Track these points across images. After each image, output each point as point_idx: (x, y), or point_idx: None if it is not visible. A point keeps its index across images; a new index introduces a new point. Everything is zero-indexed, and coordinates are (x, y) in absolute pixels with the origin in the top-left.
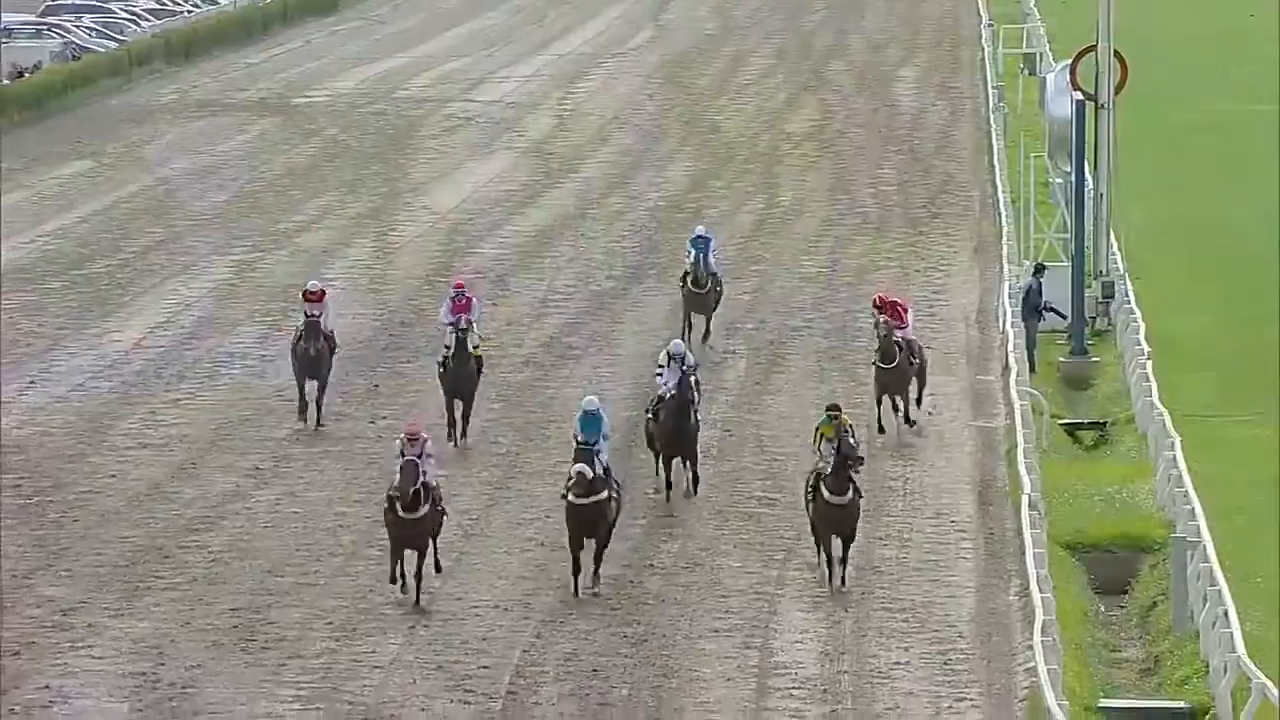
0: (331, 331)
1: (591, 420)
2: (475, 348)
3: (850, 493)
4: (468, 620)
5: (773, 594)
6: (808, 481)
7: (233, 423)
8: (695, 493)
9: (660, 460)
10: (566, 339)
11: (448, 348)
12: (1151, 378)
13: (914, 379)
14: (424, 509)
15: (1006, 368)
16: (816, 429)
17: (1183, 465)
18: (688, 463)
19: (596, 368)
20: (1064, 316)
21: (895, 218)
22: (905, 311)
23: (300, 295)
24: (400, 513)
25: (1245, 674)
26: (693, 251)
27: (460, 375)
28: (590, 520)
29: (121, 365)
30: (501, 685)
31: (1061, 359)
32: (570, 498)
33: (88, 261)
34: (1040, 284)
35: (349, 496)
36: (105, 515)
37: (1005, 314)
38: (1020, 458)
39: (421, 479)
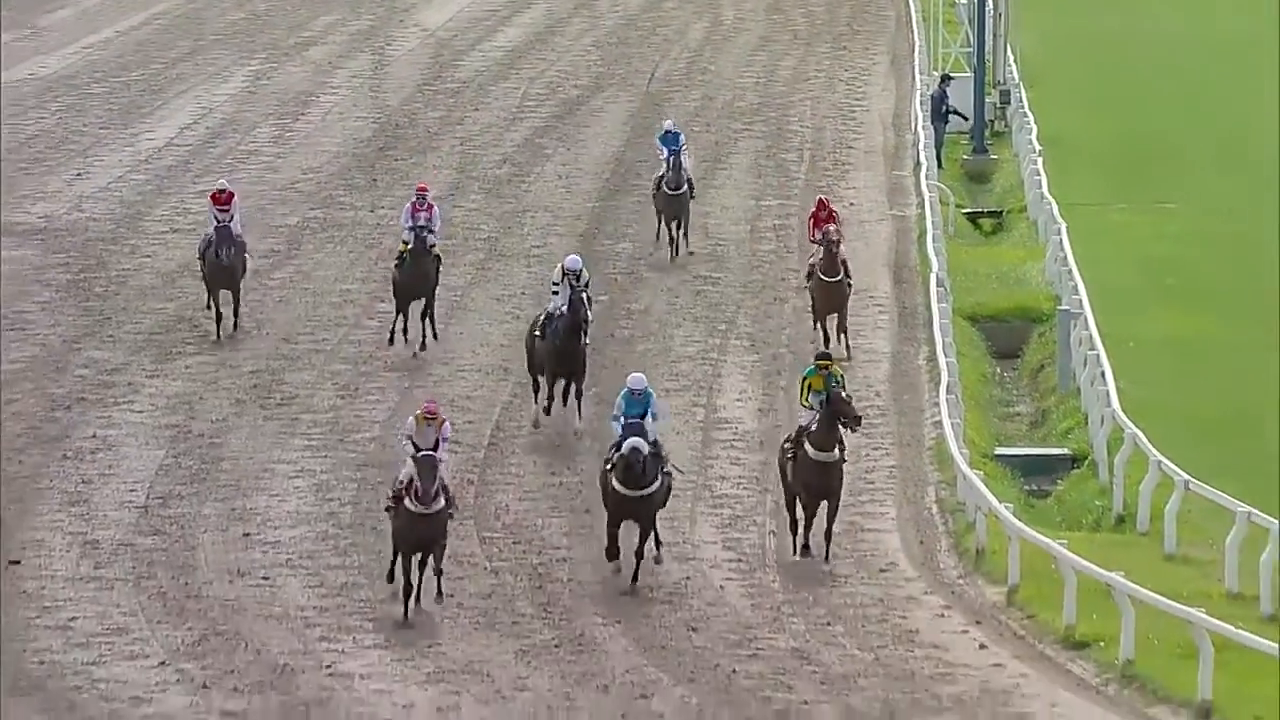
0: (242, 238)
1: (638, 400)
2: (433, 246)
3: (837, 451)
4: (455, 381)
5: (716, 360)
6: (787, 439)
7: (250, 210)
8: (581, 416)
9: (546, 379)
10: (539, 140)
11: (406, 244)
12: (1042, 172)
13: (845, 301)
14: (439, 504)
15: (918, 164)
16: (803, 380)
17: (1068, 248)
18: (573, 383)
19: (565, 164)
20: (966, 119)
21: (823, 34)
22: (837, 217)
23: (209, 198)
24: (413, 508)
25: (1119, 425)
26: (664, 150)
27: (420, 273)
28: (636, 512)
29: (155, 160)
30: (484, 437)
31: (965, 157)
32: (617, 485)
33: (124, 70)
34: (946, 91)
35: (352, 274)
36: (142, 290)
37: (917, 118)
38: (929, 242)
39: (440, 478)
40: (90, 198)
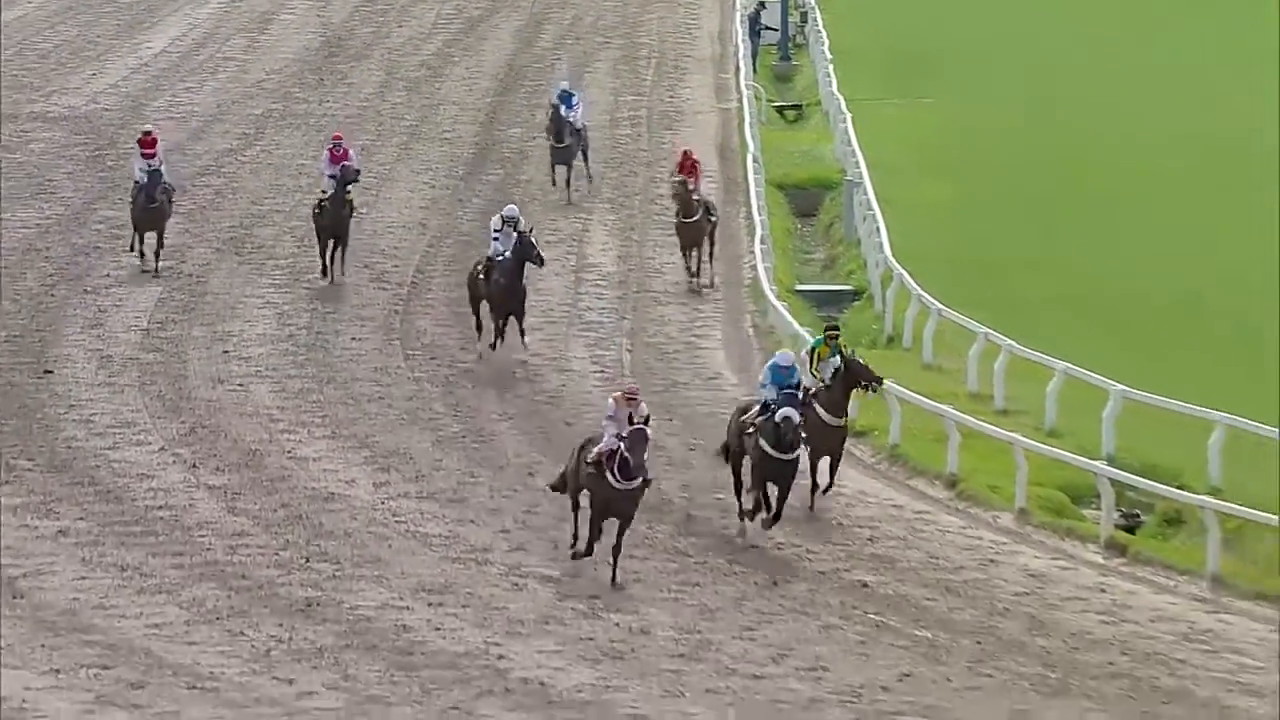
0: (168, 182)
1: (786, 373)
2: (349, 196)
3: (844, 417)
4: (384, 235)
5: (585, 219)
6: (743, 414)
7: (226, 103)
8: (526, 345)
9: (492, 317)
10: (448, 49)
11: (324, 192)
12: (832, 75)
13: (708, 236)
14: (639, 479)
15: (738, 69)
16: (812, 350)
17: (852, 133)
18: (518, 319)
19: (469, 68)
20: (776, 30)
21: None
22: (699, 171)
23: (137, 143)
24: (615, 483)
25: (889, 267)
26: (558, 106)
27: (337, 217)
28: (780, 473)
29: (153, 64)
30: (407, 277)
31: (773, 63)
32: (766, 447)
33: None
34: (759, 12)
35: (305, 154)
36: None
37: (737, 33)
38: (746, 128)
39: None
40: (103, 92)
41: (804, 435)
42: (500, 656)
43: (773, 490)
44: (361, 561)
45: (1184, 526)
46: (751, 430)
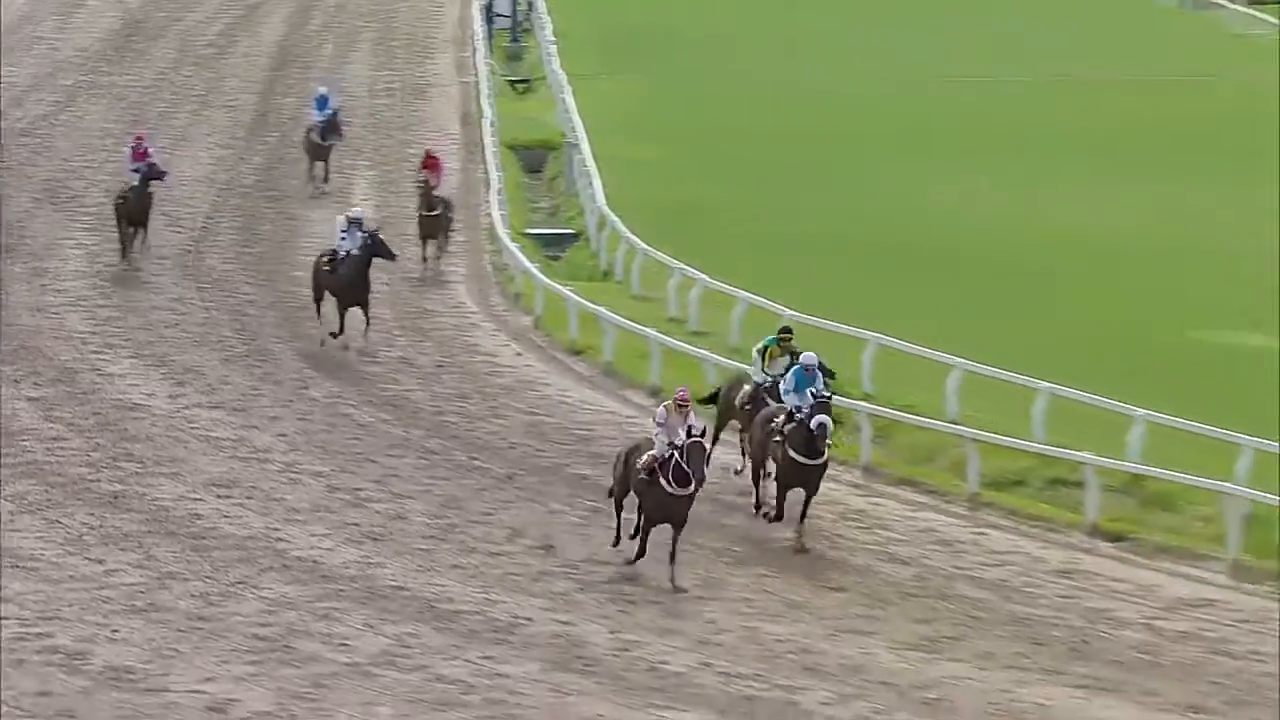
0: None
1: (809, 376)
2: (150, 190)
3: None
4: (176, 188)
5: (349, 172)
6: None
7: (41, 76)
8: (366, 337)
9: (339, 308)
10: (232, 31)
11: (128, 184)
12: (554, 54)
13: (444, 230)
14: (694, 486)
15: (475, 49)
16: (764, 349)
17: (571, 103)
18: (363, 311)
19: (249, 45)
20: (507, 17)
21: None
22: (441, 169)
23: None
24: (670, 489)
25: (603, 214)
26: (315, 111)
27: (140, 208)
28: (811, 480)
29: None
30: (198, 223)
31: (505, 44)
32: (795, 454)
33: None
34: (493, 1)
35: (110, 118)
36: None
37: (475, 19)
38: (483, 99)
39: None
40: None
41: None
42: (280, 539)
43: (798, 494)
44: (161, 461)
45: (842, 426)
46: (780, 439)
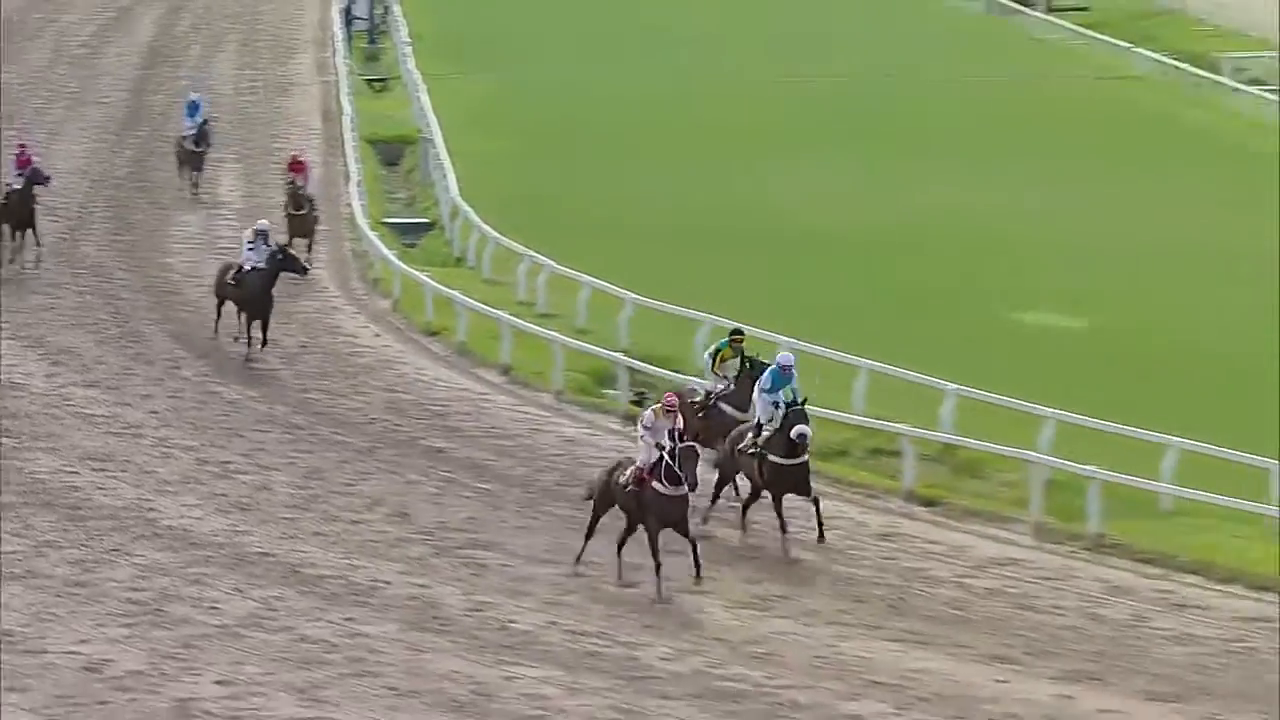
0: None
1: (785, 376)
2: (34, 195)
3: (748, 412)
4: (53, 179)
5: (218, 165)
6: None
7: None
8: (264, 346)
9: (243, 321)
10: (105, 31)
11: (10, 184)
12: (411, 55)
13: (311, 228)
14: (685, 486)
15: (335, 50)
16: (716, 352)
17: (426, 100)
18: (263, 323)
19: (122, 47)
20: (366, 20)
21: None
22: (308, 171)
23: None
24: (664, 490)
25: (456, 204)
26: (187, 117)
27: (25, 210)
28: (801, 480)
29: None
30: (73, 212)
31: (364, 45)
32: (773, 458)
33: None
34: (351, 4)
35: None
36: None
37: (335, 21)
38: (343, 97)
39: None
40: None
41: (711, 420)
42: (152, 509)
43: (787, 500)
44: (38, 436)
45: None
46: (754, 450)
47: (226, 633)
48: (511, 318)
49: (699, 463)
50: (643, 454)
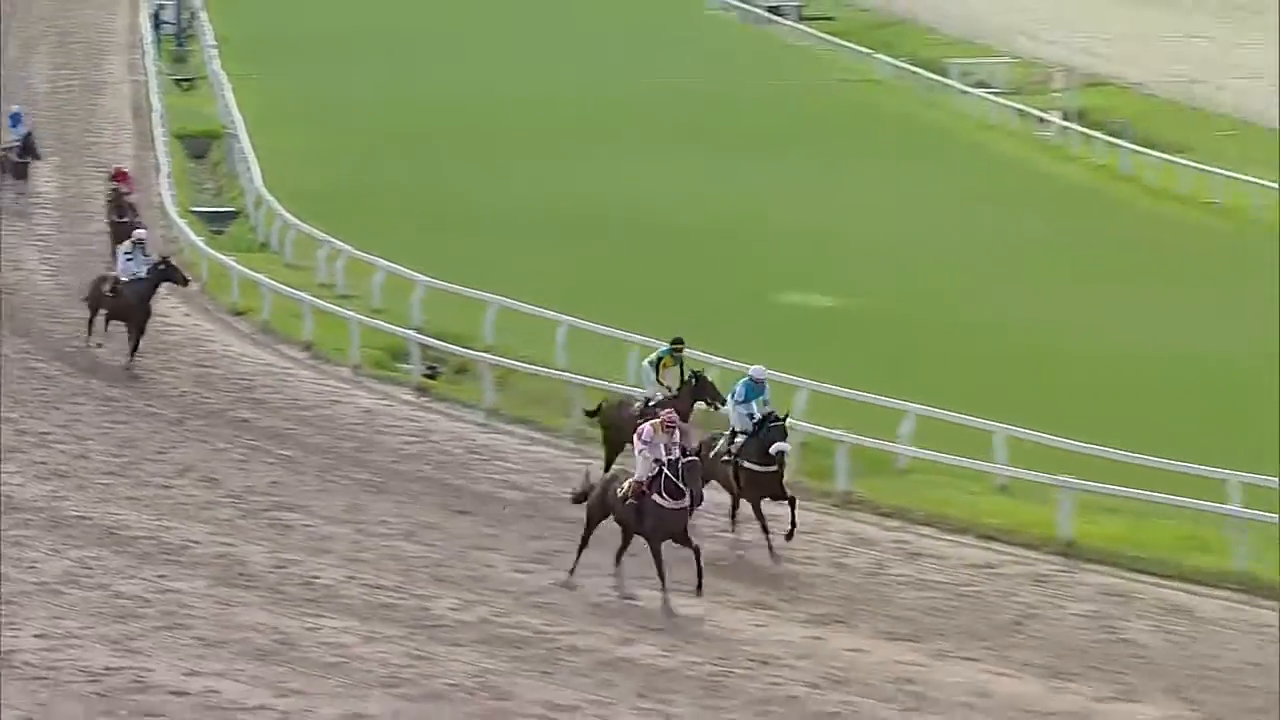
0: None
1: (758, 387)
2: None
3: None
4: None
5: (34, 161)
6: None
7: None
8: (134, 354)
9: (107, 321)
10: None
11: None
12: (216, 57)
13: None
14: (688, 500)
15: (145, 52)
16: (657, 360)
17: (231, 98)
18: (139, 332)
19: None
20: (174, 24)
21: None
22: (131, 181)
23: None
24: (665, 503)
25: (260, 194)
26: (12, 130)
27: None
28: (775, 485)
29: None
30: None
31: (172, 48)
32: (750, 465)
33: None
34: (160, 9)
35: None
36: None
37: (144, 25)
38: (153, 95)
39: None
40: None
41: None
42: None
43: (765, 505)
44: None
45: (469, 374)
46: (729, 458)
47: (45, 590)
48: (312, 298)
49: (699, 478)
50: (640, 468)
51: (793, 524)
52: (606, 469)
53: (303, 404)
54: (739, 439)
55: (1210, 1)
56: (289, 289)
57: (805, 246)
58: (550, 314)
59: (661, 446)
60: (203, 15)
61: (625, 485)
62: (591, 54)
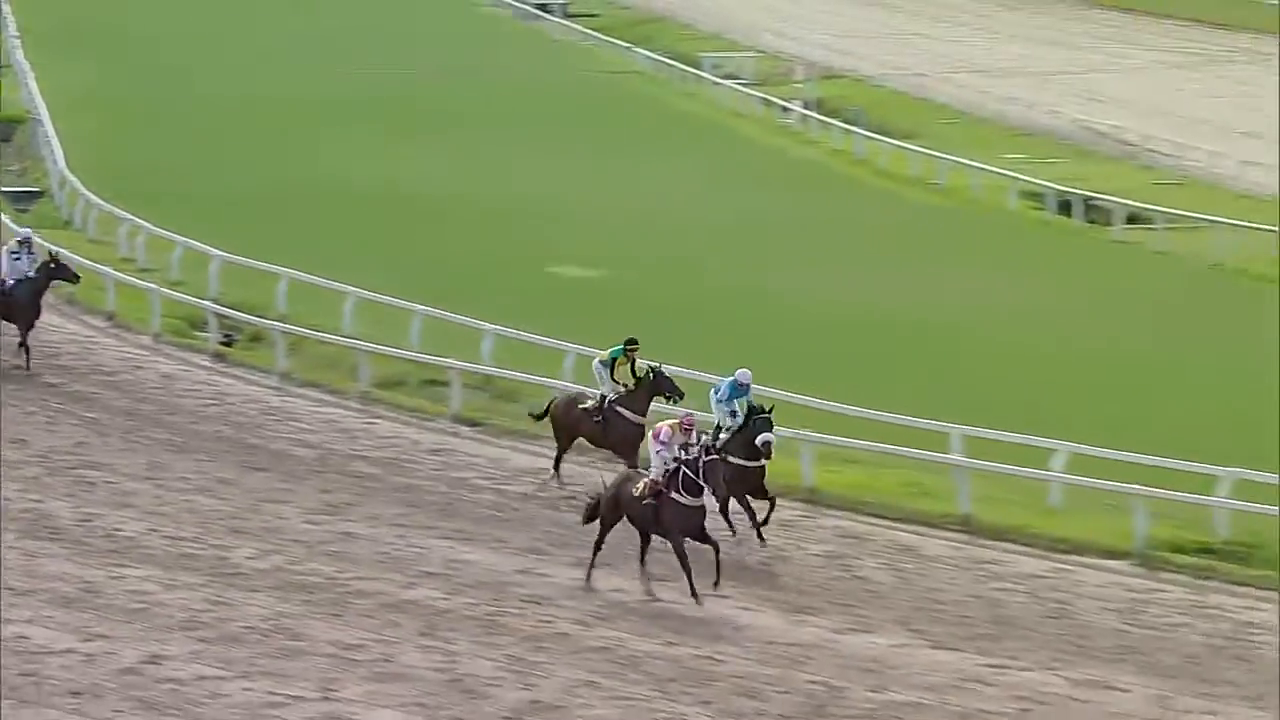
0: None
1: (741, 390)
2: None
3: (644, 416)
4: None
5: None
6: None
7: None
8: (28, 361)
9: (20, 328)
10: None
11: None
12: (20, 47)
13: None
14: (704, 496)
15: None
16: (611, 360)
17: (34, 86)
18: (27, 331)
19: None
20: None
21: None
22: None
23: None
24: (684, 500)
25: (63, 175)
26: None
27: None
28: (755, 481)
29: None
30: None
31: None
32: (734, 460)
33: None
34: None
35: None
36: None
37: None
38: None
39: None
40: None
41: (610, 425)
42: None
43: (747, 500)
44: None
45: (263, 342)
46: (715, 454)
47: None
48: (115, 272)
49: (720, 474)
50: (656, 467)
51: (766, 520)
52: (555, 467)
53: (106, 369)
54: (724, 435)
55: (930, 7)
56: (92, 263)
57: (575, 223)
58: (339, 285)
59: (677, 447)
60: (5, 7)
61: (640, 485)
62: (374, 47)
